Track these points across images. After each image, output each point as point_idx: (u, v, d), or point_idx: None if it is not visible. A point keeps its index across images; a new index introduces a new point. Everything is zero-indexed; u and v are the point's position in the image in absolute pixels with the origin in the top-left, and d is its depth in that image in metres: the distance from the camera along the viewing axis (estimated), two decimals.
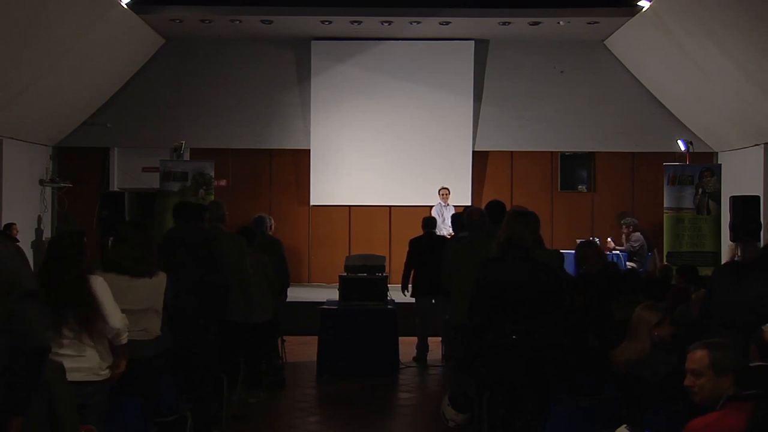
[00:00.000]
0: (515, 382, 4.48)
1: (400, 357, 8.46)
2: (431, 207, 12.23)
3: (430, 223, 9.39)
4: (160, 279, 4.49)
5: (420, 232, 9.39)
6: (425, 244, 8.98)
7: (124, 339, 4.04)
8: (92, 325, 3.85)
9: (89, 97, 12.78)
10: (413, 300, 9.13)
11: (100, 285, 3.99)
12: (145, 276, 4.41)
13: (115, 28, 11.21)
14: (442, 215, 11.74)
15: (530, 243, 4.58)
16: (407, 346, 8.98)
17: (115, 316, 3.97)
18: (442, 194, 12.08)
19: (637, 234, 11.47)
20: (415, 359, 9.00)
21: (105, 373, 3.94)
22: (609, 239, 11.52)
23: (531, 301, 4.45)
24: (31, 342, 3.08)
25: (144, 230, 4.59)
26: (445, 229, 11.31)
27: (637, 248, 11.28)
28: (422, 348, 8.97)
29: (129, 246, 4.44)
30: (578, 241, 10.87)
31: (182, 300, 4.91)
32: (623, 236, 11.62)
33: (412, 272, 9.08)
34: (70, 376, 3.70)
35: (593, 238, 11.83)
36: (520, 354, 4.42)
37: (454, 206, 11.91)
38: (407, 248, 9.25)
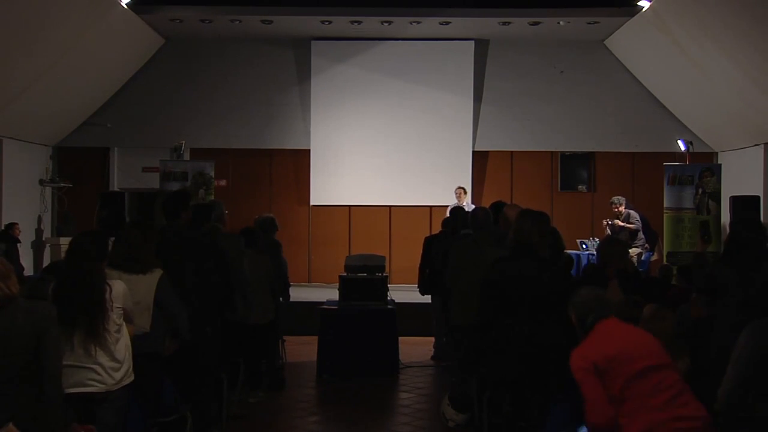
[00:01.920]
0: (517, 381, 4.47)
1: (400, 357, 8.46)
2: (432, 207, 12.24)
3: (447, 222, 9.28)
4: (155, 275, 4.52)
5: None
6: (441, 242, 8.86)
7: None
8: (100, 334, 3.84)
9: (89, 97, 12.78)
10: (413, 300, 9.11)
11: (123, 292, 4.03)
12: (138, 273, 4.47)
13: (115, 28, 11.21)
14: None
15: (537, 241, 4.57)
16: (407, 346, 8.98)
17: (140, 322, 4.24)
18: (457, 194, 12.02)
19: (631, 212, 11.25)
20: (433, 358, 9.01)
21: (115, 383, 3.91)
22: (605, 221, 11.32)
23: (534, 300, 4.44)
24: None
25: (140, 229, 4.63)
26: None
27: (635, 225, 11.08)
28: (440, 347, 8.96)
29: (124, 244, 4.54)
30: (607, 231, 10.88)
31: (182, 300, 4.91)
32: (618, 216, 11.35)
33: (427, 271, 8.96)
34: (79, 387, 3.76)
35: (593, 239, 11.84)
36: (522, 353, 4.41)
37: (455, 206, 11.87)
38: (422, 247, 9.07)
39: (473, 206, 11.68)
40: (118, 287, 4.01)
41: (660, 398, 3.24)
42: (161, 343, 4.62)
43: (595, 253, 11.47)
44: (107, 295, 3.89)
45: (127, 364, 4.00)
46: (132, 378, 4.02)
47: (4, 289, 3.30)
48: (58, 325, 3.48)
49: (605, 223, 10.98)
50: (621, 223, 10.73)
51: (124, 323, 4.05)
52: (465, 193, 12.03)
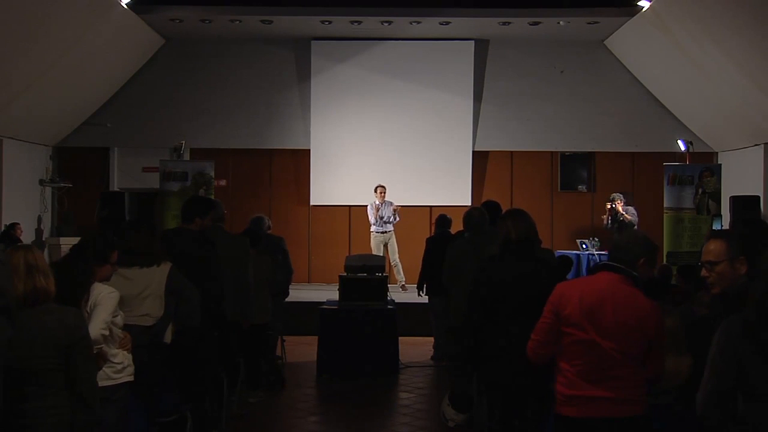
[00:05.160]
0: (513, 383, 4.43)
1: (400, 357, 8.46)
2: (431, 207, 12.24)
3: (442, 222, 9.23)
4: (163, 268, 4.69)
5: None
6: (438, 243, 8.87)
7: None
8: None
9: (89, 97, 12.78)
10: (413, 300, 9.10)
11: (103, 293, 3.97)
12: (152, 265, 4.65)
13: (115, 28, 11.21)
14: (378, 213, 12.05)
15: (533, 240, 4.55)
16: (407, 346, 8.98)
17: (94, 324, 3.85)
18: (379, 192, 12.12)
19: (630, 207, 11.35)
20: (432, 358, 9.03)
21: (107, 378, 3.88)
22: (608, 205, 11.33)
23: (530, 300, 4.40)
24: None
25: (137, 226, 4.86)
26: (376, 227, 12.06)
27: (633, 218, 11.15)
28: (439, 347, 8.97)
29: (135, 240, 4.71)
30: (606, 222, 11.03)
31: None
32: (620, 210, 11.34)
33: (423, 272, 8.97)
34: None
35: (593, 239, 11.84)
36: (516, 356, 4.37)
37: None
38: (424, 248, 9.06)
39: (391, 203, 11.89)
40: (97, 289, 3.94)
41: (588, 374, 3.31)
42: (164, 327, 4.70)
43: (595, 252, 11.50)
44: (84, 301, 3.83)
45: (123, 363, 3.99)
46: (131, 377, 4.01)
47: (44, 284, 3.26)
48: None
49: (608, 206, 11.08)
50: (622, 210, 10.86)
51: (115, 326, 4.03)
52: (385, 191, 12.12)
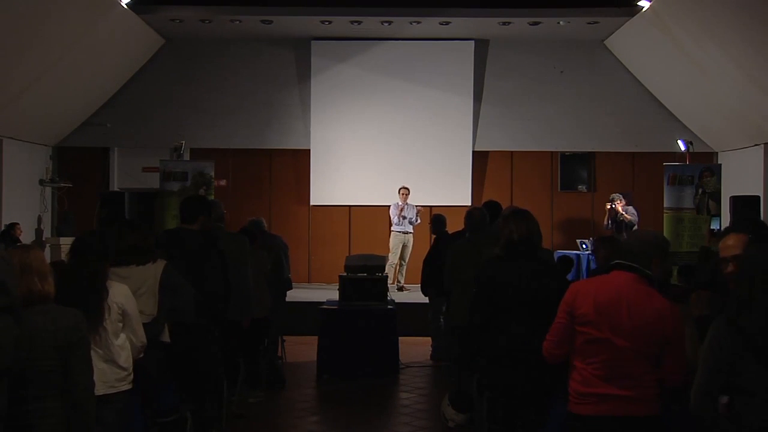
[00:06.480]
0: (514, 384, 4.43)
1: (400, 357, 8.46)
2: (431, 207, 12.24)
3: (441, 222, 9.18)
4: (157, 265, 4.70)
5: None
6: (438, 244, 8.84)
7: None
8: (98, 333, 3.82)
9: (89, 97, 12.78)
10: (413, 300, 9.09)
11: (125, 295, 4.03)
12: (147, 263, 4.66)
13: (115, 28, 11.22)
14: (401, 214, 12.08)
15: (536, 241, 4.54)
16: (407, 346, 8.98)
17: (138, 333, 4.12)
18: (402, 193, 12.18)
19: (630, 207, 11.37)
20: (431, 358, 9.04)
21: (110, 386, 3.88)
22: (608, 204, 11.33)
23: (533, 301, 4.39)
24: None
25: (132, 225, 4.89)
26: (399, 227, 12.13)
27: (632, 218, 11.16)
28: (437, 347, 8.97)
29: (131, 238, 4.72)
30: (607, 222, 11.10)
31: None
32: (620, 210, 11.31)
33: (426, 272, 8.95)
34: None
35: (593, 239, 11.83)
36: (519, 357, 4.37)
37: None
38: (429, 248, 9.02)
39: (414, 206, 11.93)
40: (116, 290, 3.99)
41: (603, 373, 3.31)
42: (162, 330, 4.70)
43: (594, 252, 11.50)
44: (106, 299, 3.88)
45: (128, 371, 4.00)
46: (131, 386, 4.01)
47: (39, 286, 3.26)
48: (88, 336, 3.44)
49: (608, 206, 11.10)
50: (621, 210, 10.88)
51: (123, 332, 4.04)
52: (408, 193, 12.19)
